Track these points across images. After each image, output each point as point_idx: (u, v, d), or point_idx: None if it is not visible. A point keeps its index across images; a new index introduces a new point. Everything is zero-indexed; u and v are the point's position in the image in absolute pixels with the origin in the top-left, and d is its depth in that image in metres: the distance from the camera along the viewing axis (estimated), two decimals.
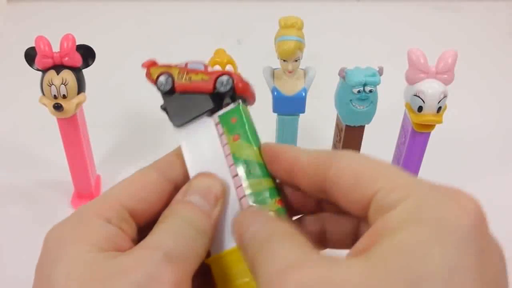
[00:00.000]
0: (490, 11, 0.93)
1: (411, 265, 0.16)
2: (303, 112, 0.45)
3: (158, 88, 0.26)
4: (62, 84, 0.41)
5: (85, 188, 0.50)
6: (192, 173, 0.24)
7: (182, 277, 0.20)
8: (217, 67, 0.42)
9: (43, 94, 0.42)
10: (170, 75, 0.26)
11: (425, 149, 0.46)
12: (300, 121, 0.46)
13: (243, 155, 0.24)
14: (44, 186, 0.53)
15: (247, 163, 0.23)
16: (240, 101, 0.25)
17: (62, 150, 0.47)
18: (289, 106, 0.45)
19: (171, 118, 0.25)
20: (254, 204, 0.23)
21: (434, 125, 0.43)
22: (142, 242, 0.21)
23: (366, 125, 0.45)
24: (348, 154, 0.21)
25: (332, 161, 0.21)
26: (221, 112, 0.25)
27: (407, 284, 0.16)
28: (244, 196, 0.23)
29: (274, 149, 0.23)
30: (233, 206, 0.23)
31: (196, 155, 0.24)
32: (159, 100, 0.27)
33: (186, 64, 0.26)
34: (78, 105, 0.43)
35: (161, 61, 0.28)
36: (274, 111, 0.46)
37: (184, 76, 0.26)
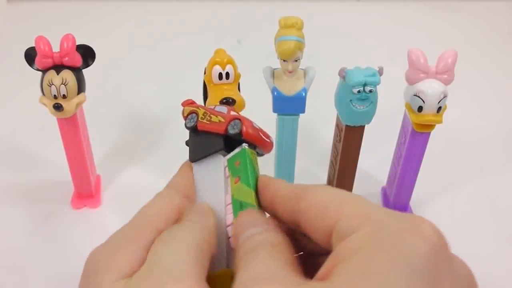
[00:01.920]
0: (490, 11, 0.93)
1: None
2: (303, 112, 0.45)
3: (185, 125, 0.29)
4: (62, 84, 0.41)
5: (85, 188, 0.50)
6: (197, 201, 0.27)
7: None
8: (218, 68, 0.42)
9: (43, 94, 0.42)
10: (197, 114, 0.29)
11: (425, 149, 0.46)
12: (300, 121, 0.46)
13: (240, 197, 0.25)
14: (44, 186, 0.53)
15: (242, 206, 0.25)
16: (245, 145, 0.27)
17: (62, 150, 0.47)
18: (289, 106, 0.45)
19: (189, 153, 0.28)
20: None
21: (434, 125, 0.43)
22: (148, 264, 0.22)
23: (366, 125, 0.45)
24: (319, 187, 0.22)
25: (304, 194, 0.22)
26: (229, 155, 0.27)
27: None
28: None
29: (264, 181, 0.25)
30: (221, 242, 0.25)
31: (202, 189, 0.27)
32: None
33: (214, 107, 0.29)
34: (78, 105, 0.43)
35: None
36: (274, 111, 0.46)
37: (207, 117, 0.28)
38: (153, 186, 0.57)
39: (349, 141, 0.46)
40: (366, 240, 0.18)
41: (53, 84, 0.41)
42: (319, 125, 0.61)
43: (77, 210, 0.50)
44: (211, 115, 0.28)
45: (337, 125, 0.48)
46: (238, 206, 0.25)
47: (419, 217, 0.19)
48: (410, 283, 0.17)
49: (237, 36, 0.82)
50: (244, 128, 0.27)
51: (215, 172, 0.27)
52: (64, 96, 0.42)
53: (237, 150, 0.27)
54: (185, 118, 0.29)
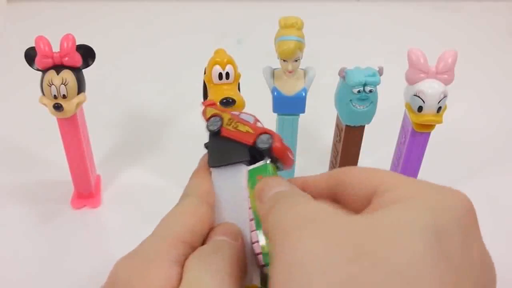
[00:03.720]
0: (490, 11, 0.93)
1: (404, 222, 0.18)
2: (303, 112, 0.45)
3: (207, 127, 0.28)
4: (62, 84, 0.41)
5: (85, 188, 0.50)
6: (216, 209, 0.26)
7: None
8: (218, 68, 0.42)
9: (43, 94, 0.42)
10: (221, 119, 0.28)
11: (425, 149, 0.46)
12: (300, 121, 0.46)
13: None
14: (44, 186, 0.53)
15: None
16: (268, 160, 0.26)
17: (62, 150, 0.47)
18: (289, 106, 0.45)
19: (209, 157, 0.27)
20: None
21: (434, 125, 0.43)
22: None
23: (366, 125, 0.45)
24: (358, 167, 0.25)
25: (345, 170, 0.24)
26: (251, 167, 0.26)
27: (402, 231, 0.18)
28: (260, 253, 0.24)
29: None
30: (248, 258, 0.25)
31: (222, 197, 0.26)
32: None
33: (239, 114, 0.28)
34: (78, 105, 0.43)
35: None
36: (274, 111, 0.46)
37: (233, 124, 0.27)
38: (153, 186, 0.57)
39: (349, 141, 0.46)
40: (408, 192, 0.20)
41: (53, 84, 0.41)
42: (319, 125, 0.61)
43: (77, 210, 0.50)
44: (237, 123, 0.27)
45: (337, 125, 0.48)
46: (259, 222, 0.24)
47: (457, 190, 0.21)
48: (448, 227, 0.18)
49: (237, 36, 0.82)
50: (274, 144, 0.26)
51: (236, 181, 0.26)
52: (64, 96, 0.42)
53: (260, 163, 0.26)
54: (207, 120, 0.28)
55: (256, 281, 0.24)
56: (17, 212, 0.50)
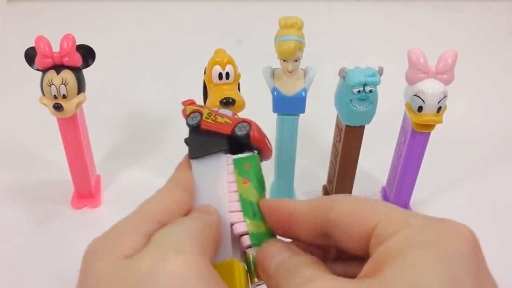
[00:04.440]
0: (490, 11, 0.93)
1: (418, 281, 0.18)
2: (303, 112, 0.45)
3: (187, 123, 0.29)
4: (62, 84, 0.41)
5: (85, 188, 0.50)
6: (196, 196, 0.27)
7: (192, 265, 0.20)
8: (218, 68, 0.42)
9: (43, 94, 0.42)
10: (200, 114, 0.29)
11: (425, 149, 0.46)
12: (300, 121, 0.46)
13: (250, 197, 0.26)
14: (44, 186, 0.53)
15: (252, 206, 0.26)
16: (256, 152, 0.28)
17: (62, 150, 0.47)
18: (289, 106, 0.45)
19: (189, 150, 0.28)
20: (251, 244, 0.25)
21: (434, 125, 0.43)
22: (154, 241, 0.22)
23: (366, 125, 0.45)
24: (347, 196, 0.23)
25: (333, 204, 0.23)
26: (236, 156, 0.28)
27: None
28: (247, 233, 0.25)
29: (270, 204, 0.25)
30: (225, 238, 0.25)
31: (202, 184, 0.27)
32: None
33: (217, 110, 0.30)
34: (78, 105, 0.43)
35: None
36: (274, 111, 0.46)
37: (211, 117, 0.29)
38: (153, 186, 0.57)
39: (349, 141, 0.46)
40: (411, 240, 0.19)
41: (53, 84, 0.41)
42: (319, 125, 0.61)
43: (77, 210, 0.50)
44: (216, 116, 0.29)
45: (337, 125, 0.48)
46: (249, 205, 0.26)
47: (453, 221, 0.20)
48: (457, 271, 0.18)
49: (237, 36, 0.82)
50: (251, 131, 0.27)
51: (216, 169, 0.27)
52: (64, 96, 0.42)
53: (247, 154, 0.27)
54: (187, 116, 0.29)
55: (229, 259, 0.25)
56: (17, 212, 0.50)
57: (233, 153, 0.28)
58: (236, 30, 0.84)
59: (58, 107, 0.42)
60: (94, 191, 0.51)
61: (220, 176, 0.27)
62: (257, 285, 0.25)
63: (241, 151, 0.28)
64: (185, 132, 0.29)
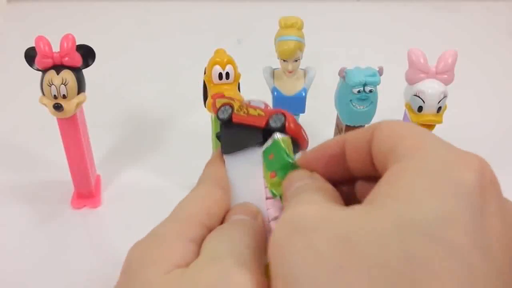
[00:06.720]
0: (490, 11, 0.93)
1: (403, 212, 0.16)
2: (303, 112, 0.45)
3: (218, 116, 0.28)
4: (62, 84, 0.41)
5: (85, 188, 0.50)
6: (232, 193, 0.26)
7: (252, 278, 0.19)
8: (218, 68, 0.42)
9: (43, 94, 0.42)
10: (231, 107, 0.27)
11: None
12: (300, 121, 0.46)
13: (279, 192, 0.24)
14: (44, 186, 0.53)
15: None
16: (277, 136, 0.26)
17: (62, 150, 0.47)
18: (289, 106, 0.45)
19: (222, 145, 0.27)
20: None
21: (434, 125, 0.43)
22: (205, 253, 0.21)
23: (366, 125, 0.45)
24: (386, 121, 0.21)
25: (375, 125, 0.21)
26: (263, 147, 0.26)
27: (395, 230, 0.16)
28: None
29: (309, 156, 0.24)
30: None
31: (237, 181, 0.26)
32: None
33: (249, 102, 0.28)
34: (78, 105, 0.43)
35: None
36: None
37: (243, 109, 0.27)
38: (153, 186, 0.57)
39: None
40: (412, 166, 0.18)
41: (53, 84, 0.41)
42: (319, 125, 0.61)
43: (77, 210, 0.50)
44: (248, 108, 0.27)
45: (337, 125, 0.48)
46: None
47: (475, 154, 0.18)
48: (450, 209, 0.16)
49: (237, 36, 0.82)
50: (287, 123, 0.26)
51: (251, 165, 0.26)
52: (64, 96, 0.42)
53: (269, 142, 0.26)
54: (217, 110, 0.28)
55: None
56: (17, 212, 0.50)
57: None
58: (236, 30, 0.84)
59: (58, 107, 0.42)
60: (94, 191, 0.51)
61: (255, 171, 0.26)
62: None
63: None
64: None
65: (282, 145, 0.25)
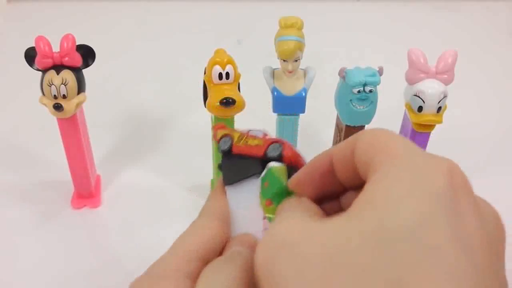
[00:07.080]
0: (490, 11, 0.93)
1: (381, 219, 0.17)
2: (303, 112, 0.45)
3: (219, 148, 0.28)
4: (62, 84, 0.41)
5: (85, 188, 0.50)
6: (232, 223, 0.27)
7: None
8: (218, 68, 0.42)
9: (43, 94, 0.42)
10: (231, 138, 0.28)
11: (425, 149, 0.46)
12: (300, 121, 0.46)
13: None
14: (44, 186, 0.53)
15: None
16: (271, 165, 0.26)
17: (62, 150, 0.47)
18: (289, 106, 0.45)
19: (223, 176, 0.28)
20: None
21: (434, 125, 0.43)
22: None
23: (366, 125, 0.45)
24: (366, 131, 0.21)
25: (358, 136, 0.21)
26: (261, 176, 0.27)
27: (375, 237, 0.16)
28: None
29: (304, 170, 0.24)
30: None
31: (237, 212, 0.27)
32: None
33: (248, 131, 0.29)
34: (78, 105, 0.43)
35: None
36: (274, 111, 0.46)
37: (243, 140, 0.28)
38: (153, 186, 0.57)
39: None
40: (388, 174, 0.18)
41: (53, 84, 0.41)
42: (319, 125, 0.61)
43: (77, 210, 0.50)
44: (247, 139, 0.28)
45: (337, 125, 0.48)
46: None
47: (444, 158, 0.19)
48: (427, 211, 0.16)
49: (237, 36, 0.82)
50: (284, 152, 0.26)
51: (251, 195, 0.27)
52: (64, 96, 0.42)
53: (265, 171, 0.26)
54: (218, 141, 0.29)
55: None
56: (17, 212, 0.50)
57: None
58: (236, 30, 0.84)
59: (58, 107, 0.42)
60: (94, 191, 0.51)
61: (254, 201, 0.26)
62: None
63: None
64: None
65: (275, 173, 0.26)
